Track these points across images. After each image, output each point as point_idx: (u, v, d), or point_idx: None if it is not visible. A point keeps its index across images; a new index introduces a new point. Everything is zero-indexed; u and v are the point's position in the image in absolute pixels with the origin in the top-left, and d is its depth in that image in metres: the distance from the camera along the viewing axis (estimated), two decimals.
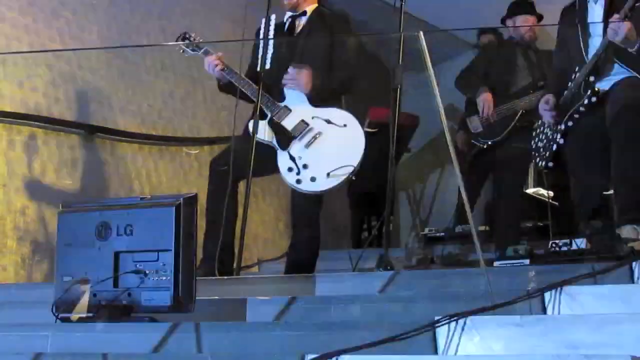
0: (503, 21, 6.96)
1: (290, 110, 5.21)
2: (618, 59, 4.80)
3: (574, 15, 5.14)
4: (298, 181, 5.08)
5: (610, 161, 4.72)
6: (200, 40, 5.48)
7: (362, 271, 5.04)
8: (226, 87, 5.42)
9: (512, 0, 6.92)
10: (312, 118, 5.19)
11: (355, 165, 5.03)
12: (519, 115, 6.52)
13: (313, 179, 5.05)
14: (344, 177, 5.02)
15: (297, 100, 5.23)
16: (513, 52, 6.77)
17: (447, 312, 3.31)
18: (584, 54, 4.98)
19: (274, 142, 5.17)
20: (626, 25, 4.59)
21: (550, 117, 5.13)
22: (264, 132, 5.18)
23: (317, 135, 5.14)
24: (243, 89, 5.21)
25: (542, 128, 5.32)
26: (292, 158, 5.11)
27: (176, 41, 5.53)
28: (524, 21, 6.77)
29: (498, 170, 6.72)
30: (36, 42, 6.58)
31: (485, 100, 6.64)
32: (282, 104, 5.23)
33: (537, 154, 5.30)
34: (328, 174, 5.02)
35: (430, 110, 3.88)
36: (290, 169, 5.10)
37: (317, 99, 5.23)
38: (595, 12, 5.01)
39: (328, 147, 5.12)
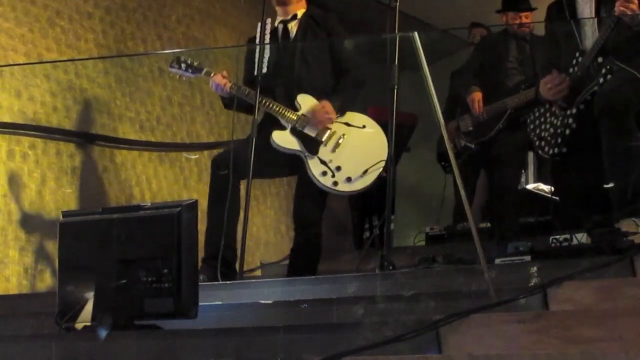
0: (497, 12, 6.97)
1: (308, 117, 5.24)
2: (613, 54, 4.80)
3: (562, 9, 5.14)
4: (335, 183, 5.17)
5: (603, 155, 4.72)
6: (196, 64, 5.40)
7: (365, 271, 5.05)
8: (232, 105, 5.40)
9: None
10: (332, 122, 5.24)
11: (385, 159, 5.10)
12: (507, 113, 6.51)
13: (349, 180, 5.15)
14: (377, 173, 5.09)
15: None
16: (506, 45, 6.77)
17: (449, 310, 3.32)
18: (578, 41, 4.97)
19: (302, 149, 5.20)
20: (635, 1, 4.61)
21: (556, 92, 5.06)
22: (289, 142, 5.22)
23: (342, 138, 5.20)
24: (253, 103, 5.19)
25: (543, 118, 5.27)
26: (324, 162, 5.17)
27: (170, 67, 5.45)
28: (514, 17, 6.77)
29: (493, 167, 6.72)
30: (33, 52, 6.59)
31: (474, 99, 6.64)
32: (299, 113, 5.25)
33: (543, 143, 5.23)
34: (365, 172, 5.08)
35: (430, 108, 3.89)
36: (324, 173, 5.17)
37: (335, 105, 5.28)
38: (584, 1, 5.01)
39: (354, 148, 5.24)
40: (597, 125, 4.80)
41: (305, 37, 5.42)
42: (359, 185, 5.17)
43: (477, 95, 6.64)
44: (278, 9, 5.51)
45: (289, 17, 5.48)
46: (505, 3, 6.89)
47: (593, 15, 4.88)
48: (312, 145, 5.23)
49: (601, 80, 4.83)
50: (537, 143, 5.26)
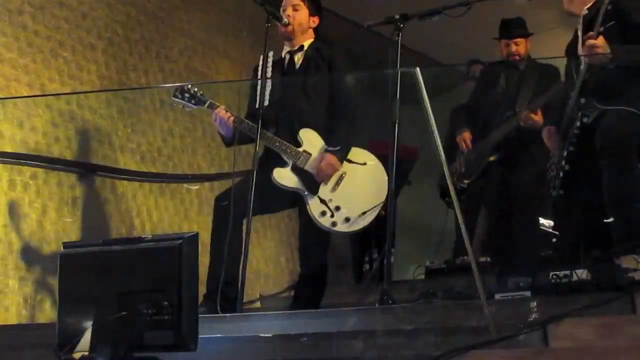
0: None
1: (310, 154, 5.24)
2: (594, 97, 4.86)
3: (572, 49, 5.20)
4: (333, 224, 5.17)
5: (603, 190, 4.74)
6: (200, 94, 5.38)
7: (364, 305, 5.04)
8: (234, 142, 5.36)
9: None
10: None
11: (384, 199, 5.10)
12: (492, 148, 6.54)
13: (347, 220, 5.15)
14: (376, 213, 5.09)
15: (315, 143, 5.29)
16: (497, 75, 6.78)
17: (449, 346, 3.31)
18: (575, 79, 5.02)
19: (302, 188, 5.20)
20: (598, 41, 4.66)
21: (555, 146, 5.16)
22: (289, 179, 5.22)
23: (343, 176, 5.20)
24: (254, 137, 5.17)
25: (553, 159, 5.33)
26: (323, 201, 5.17)
27: (173, 96, 5.42)
28: (506, 44, 6.77)
29: (489, 203, 6.73)
30: (35, 83, 6.62)
31: (462, 140, 6.68)
32: (301, 149, 5.26)
33: (551, 185, 5.30)
34: (363, 214, 5.07)
35: (430, 142, 3.90)
36: (323, 213, 5.16)
37: (332, 139, 5.28)
38: (580, 39, 5.08)
39: (355, 187, 5.23)
40: (590, 161, 4.85)
41: (309, 68, 5.44)
42: (357, 225, 5.17)
43: (465, 136, 6.67)
44: (285, 42, 5.55)
45: (296, 48, 5.51)
46: (499, 30, 6.91)
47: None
48: (312, 183, 5.22)
49: (578, 124, 4.90)
50: (549, 184, 5.31)
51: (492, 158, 6.56)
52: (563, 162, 5.09)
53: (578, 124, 4.93)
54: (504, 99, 6.68)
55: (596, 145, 4.81)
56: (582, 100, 4.93)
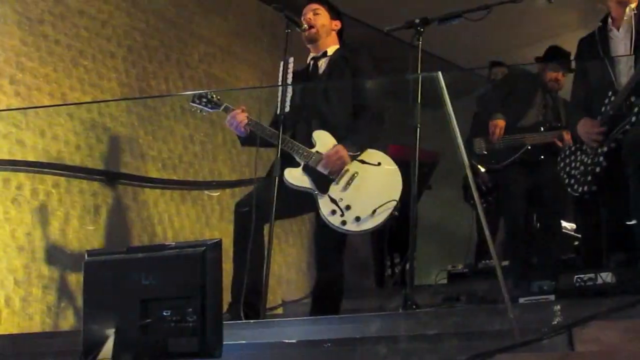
0: (537, 59, 7.00)
1: (322, 155, 5.22)
2: None
3: (594, 45, 5.15)
4: (343, 222, 5.09)
5: (630, 197, 4.70)
6: (216, 99, 5.40)
7: (387, 310, 5.03)
8: (249, 142, 5.39)
9: (550, 45, 6.97)
10: (344, 167, 5.22)
11: (397, 199, 5.06)
12: (524, 148, 6.53)
13: (358, 219, 5.07)
14: (388, 213, 5.04)
15: (328, 144, 5.26)
16: (534, 89, 6.79)
17: (473, 350, 3.30)
18: (613, 79, 4.98)
19: (313, 187, 5.19)
20: None
21: (593, 139, 5.10)
22: (300, 179, 5.21)
23: (355, 176, 5.17)
24: (271, 140, 5.17)
25: (573, 157, 5.28)
26: (334, 201, 5.12)
27: (191, 102, 5.44)
28: (553, 68, 6.79)
29: (503, 204, 6.72)
30: (57, 91, 6.65)
31: (497, 125, 6.64)
32: (314, 150, 5.24)
33: (573, 181, 5.24)
34: (374, 212, 5.04)
35: (451, 145, 3.89)
36: (333, 212, 5.11)
37: (352, 145, 5.26)
38: (619, 38, 5.03)
39: (367, 187, 5.16)
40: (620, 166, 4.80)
41: (332, 74, 5.43)
42: (367, 225, 5.09)
43: (500, 123, 6.63)
44: (309, 46, 5.55)
45: (320, 54, 5.51)
46: (551, 54, 6.91)
47: (628, 53, 4.89)
48: (323, 183, 5.19)
49: (633, 119, 4.84)
50: (566, 181, 5.26)
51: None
52: (601, 158, 5.05)
53: (633, 119, 4.86)
54: (543, 111, 6.69)
55: (623, 149, 4.78)
56: (633, 99, 4.88)
